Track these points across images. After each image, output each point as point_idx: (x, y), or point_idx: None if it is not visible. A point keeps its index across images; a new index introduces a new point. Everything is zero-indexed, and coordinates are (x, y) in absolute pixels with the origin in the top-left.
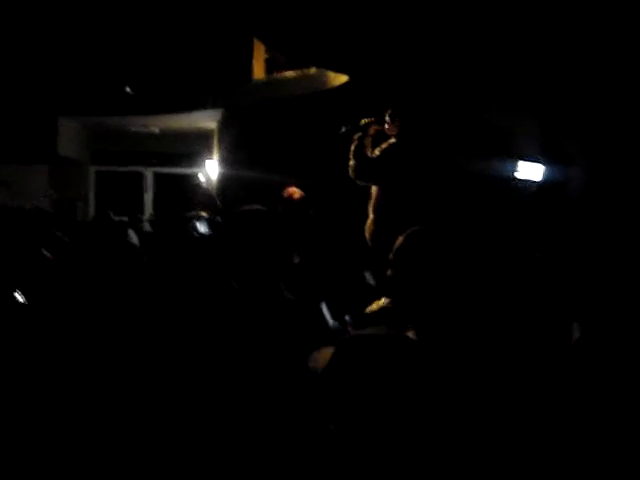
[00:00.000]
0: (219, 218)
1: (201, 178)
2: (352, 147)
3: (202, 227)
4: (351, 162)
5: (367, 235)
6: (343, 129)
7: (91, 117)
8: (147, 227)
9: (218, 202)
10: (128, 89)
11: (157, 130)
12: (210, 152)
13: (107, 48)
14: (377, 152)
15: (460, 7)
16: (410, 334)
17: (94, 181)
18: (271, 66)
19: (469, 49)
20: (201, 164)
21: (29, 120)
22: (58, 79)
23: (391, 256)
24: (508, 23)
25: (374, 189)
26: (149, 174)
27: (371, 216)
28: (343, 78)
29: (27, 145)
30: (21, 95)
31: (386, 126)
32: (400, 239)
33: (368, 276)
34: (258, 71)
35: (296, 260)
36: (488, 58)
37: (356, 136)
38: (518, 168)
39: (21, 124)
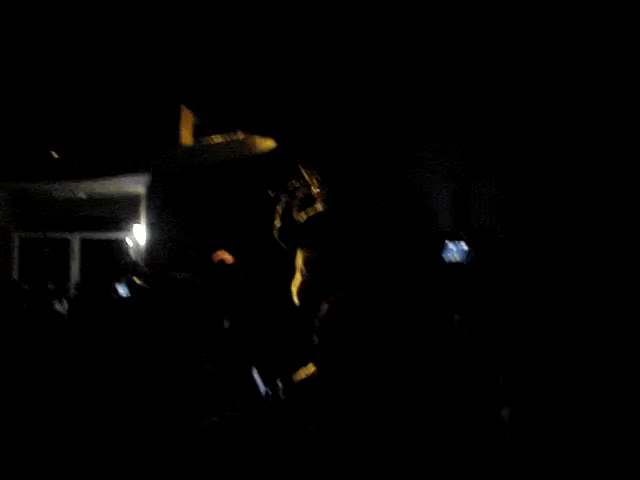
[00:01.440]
0: (138, 280)
1: (129, 243)
2: (278, 208)
3: (122, 290)
4: (276, 223)
5: (294, 296)
6: (271, 193)
7: (15, 183)
8: (72, 293)
9: (142, 266)
10: (54, 154)
11: (84, 195)
12: (138, 216)
13: (34, 113)
14: (304, 216)
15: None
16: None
17: (18, 248)
18: (199, 131)
19: (390, 113)
20: (129, 229)
21: None
22: None
23: (317, 323)
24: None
25: (299, 251)
26: (76, 240)
27: (297, 277)
28: (270, 143)
29: None
30: None
31: (313, 190)
32: (325, 306)
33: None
34: (186, 135)
35: (226, 325)
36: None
37: (284, 198)
38: (444, 248)
39: None
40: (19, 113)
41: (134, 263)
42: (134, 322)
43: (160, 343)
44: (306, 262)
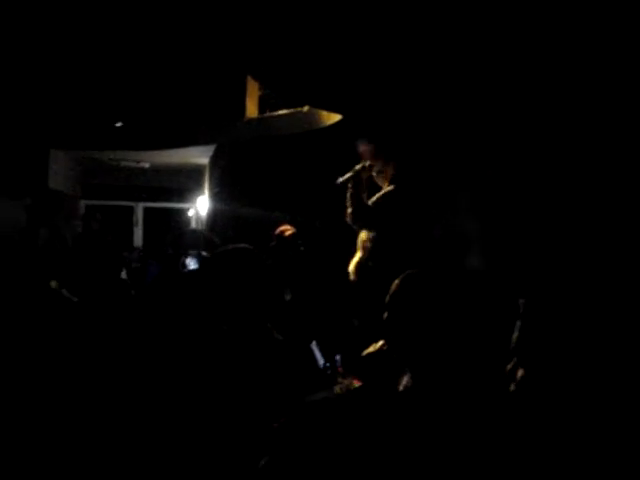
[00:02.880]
0: (208, 255)
1: (191, 214)
2: (347, 194)
3: (192, 264)
4: (348, 209)
5: (352, 274)
6: (340, 180)
7: (83, 151)
8: (135, 263)
9: (214, 239)
10: (119, 124)
11: (147, 165)
12: (201, 188)
13: (101, 82)
14: (374, 199)
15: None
16: (405, 379)
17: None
18: (264, 104)
19: (470, 93)
20: (191, 200)
21: (21, 153)
22: (51, 113)
23: (387, 299)
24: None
25: (364, 230)
26: (139, 209)
27: (359, 255)
28: (335, 117)
29: (18, 178)
30: (14, 128)
31: (374, 173)
32: (396, 282)
33: (355, 318)
34: (250, 108)
35: (287, 297)
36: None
37: (350, 183)
38: None
39: (13, 157)
40: (86, 82)
41: (202, 234)
42: (202, 295)
43: (228, 315)
44: (370, 240)
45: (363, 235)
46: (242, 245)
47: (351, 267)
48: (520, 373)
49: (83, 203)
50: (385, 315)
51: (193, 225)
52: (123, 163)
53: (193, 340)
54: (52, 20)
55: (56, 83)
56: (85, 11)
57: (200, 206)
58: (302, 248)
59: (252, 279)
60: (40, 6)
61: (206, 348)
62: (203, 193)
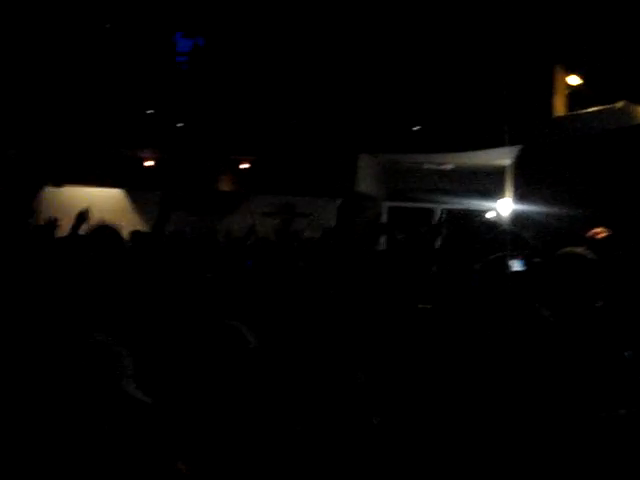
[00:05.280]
0: (536, 258)
1: (491, 216)
2: None
3: (516, 265)
4: None
5: None
6: None
7: (387, 155)
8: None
9: (531, 241)
10: (417, 127)
11: (450, 167)
12: (502, 189)
13: (404, 86)
14: None
15: None
16: None
17: (387, 217)
18: (572, 100)
19: None
20: (492, 201)
21: (331, 157)
22: (360, 120)
23: None
24: None
25: None
26: (439, 211)
27: None
28: None
29: (328, 180)
30: (326, 134)
31: None
32: None
33: None
34: (558, 106)
35: (599, 304)
36: None
37: None
38: None
39: (323, 160)
40: (393, 85)
41: (516, 235)
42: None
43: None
44: None
45: None
46: (577, 250)
47: None
48: None
49: (386, 205)
50: None
51: (504, 227)
52: (426, 165)
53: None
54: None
55: (364, 91)
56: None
57: (502, 208)
58: (620, 253)
59: (584, 285)
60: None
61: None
62: (504, 195)
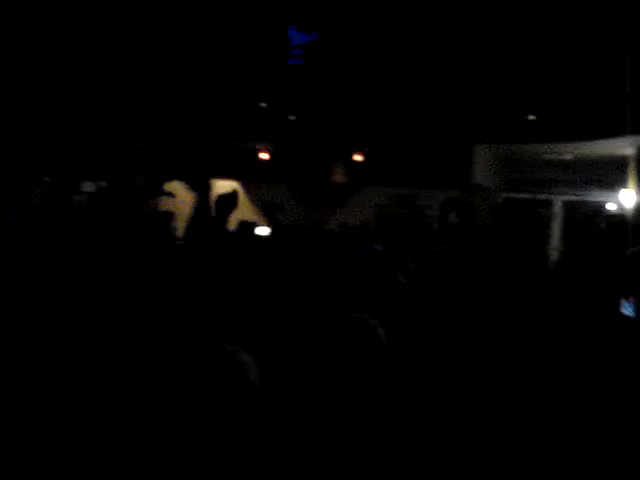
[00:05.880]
0: None
1: (611, 207)
2: None
3: None
4: None
5: None
6: None
7: (503, 145)
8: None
9: None
10: (532, 117)
11: (570, 157)
12: (623, 180)
13: (523, 74)
14: None
15: None
16: None
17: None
18: None
19: None
20: (613, 193)
21: (447, 148)
22: (477, 108)
23: None
24: None
25: None
26: (557, 202)
27: None
28: None
29: (444, 171)
30: (441, 125)
31: None
32: None
33: None
34: None
35: None
36: None
37: None
38: None
39: (439, 151)
40: (517, 74)
41: None
42: None
43: None
44: None
45: None
46: None
47: None
48: None
49: (501, 196)
50: None
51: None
52: (545, 156)
53: None
54: None
55: (480, 80)
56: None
57: (624, 199)
58: None
59: None
60: None
61: None
62: (627, 186)
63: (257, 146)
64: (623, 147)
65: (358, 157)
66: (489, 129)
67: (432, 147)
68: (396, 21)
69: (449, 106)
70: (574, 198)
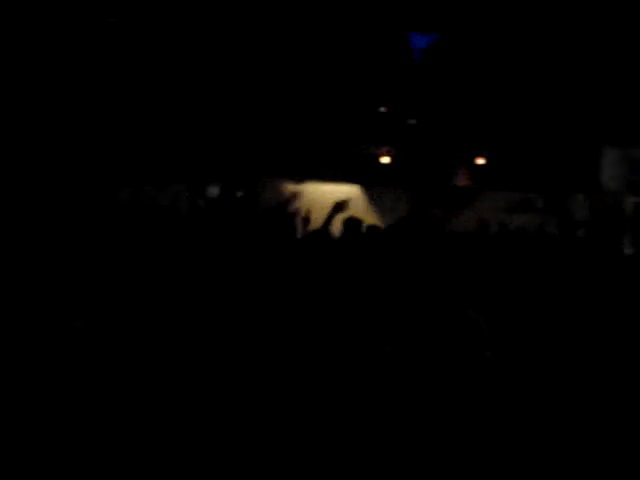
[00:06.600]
0: None
1: None
2: None
3: None
4: None
5: None
6: None
7: (633, 147)
8: None
9: None
10: None
11: None
12: None
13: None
14: None
15: None
16: None
17: (630, 212)
18: None
19: None
20: None
21: (572, 151)
22: (603, 108)
23: None
24: None
25: None
26: None
27: None
28: None
29: (569, 175)
30: (566, 127)
31: None
32: None
33: None
34: None
35: None
36: None
37: None
38: None
39: (563, 155)
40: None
41: None
42: None
43: None
44: None
45: None
46: None
47: None
48: None
49: (630, 200)
50: None
51: None
52: None
53: None
54: None
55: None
56: None
57: None
58: None
59: None
60: None
61: None
62: None
63: (378, 150)
64: None
65: (480, 160)
66: (618, 130)
67: (556, 151)
68: (519, 18)
69: (575, 107)
70: None
